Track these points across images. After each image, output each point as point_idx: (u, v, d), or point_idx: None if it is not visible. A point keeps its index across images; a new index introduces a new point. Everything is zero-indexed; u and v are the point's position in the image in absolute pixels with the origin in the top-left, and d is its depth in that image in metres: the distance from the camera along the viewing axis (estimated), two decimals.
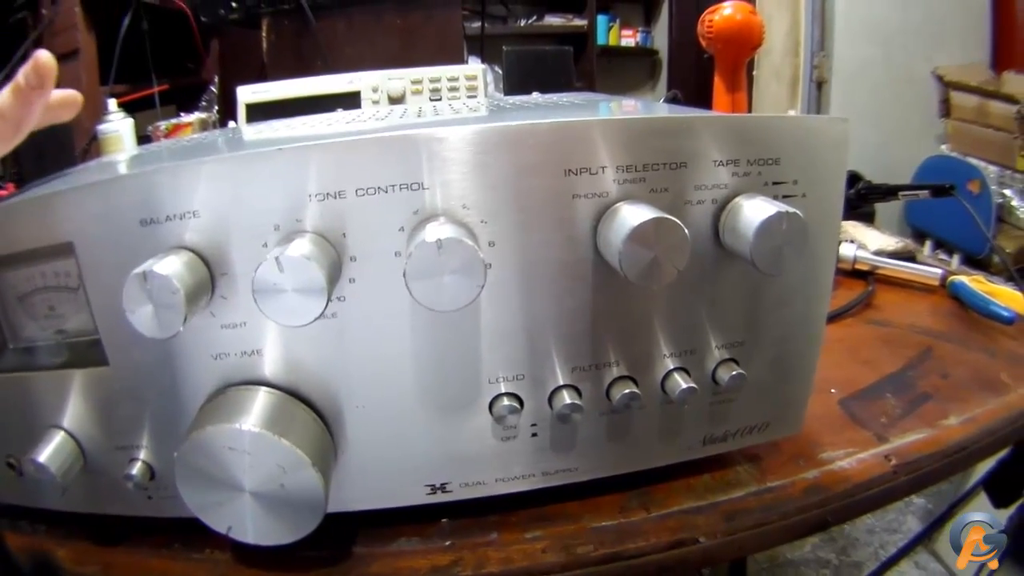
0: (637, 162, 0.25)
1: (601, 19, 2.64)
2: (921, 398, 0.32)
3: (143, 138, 0.76)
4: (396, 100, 0.62)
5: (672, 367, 0.27)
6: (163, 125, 0.76)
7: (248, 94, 0.63)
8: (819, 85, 1.73)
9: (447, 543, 0.28)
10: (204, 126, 0.77)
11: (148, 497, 0.30)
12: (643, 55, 2.86)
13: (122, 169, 0.36)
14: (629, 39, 2.80)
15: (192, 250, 0.25)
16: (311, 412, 0.26)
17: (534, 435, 0.27)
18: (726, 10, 0.61)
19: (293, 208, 0.24)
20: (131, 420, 0.29)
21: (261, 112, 0.61)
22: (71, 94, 0.38)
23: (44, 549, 0.33)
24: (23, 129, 0.31)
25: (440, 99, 0.62)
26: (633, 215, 0.23)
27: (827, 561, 0.78)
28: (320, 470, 0.24)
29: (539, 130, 0.24)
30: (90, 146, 0.71)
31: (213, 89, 0.79)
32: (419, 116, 0.39)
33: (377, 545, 0.29)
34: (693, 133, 0.25)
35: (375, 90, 0.62)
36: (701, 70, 2.27)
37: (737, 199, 0.26)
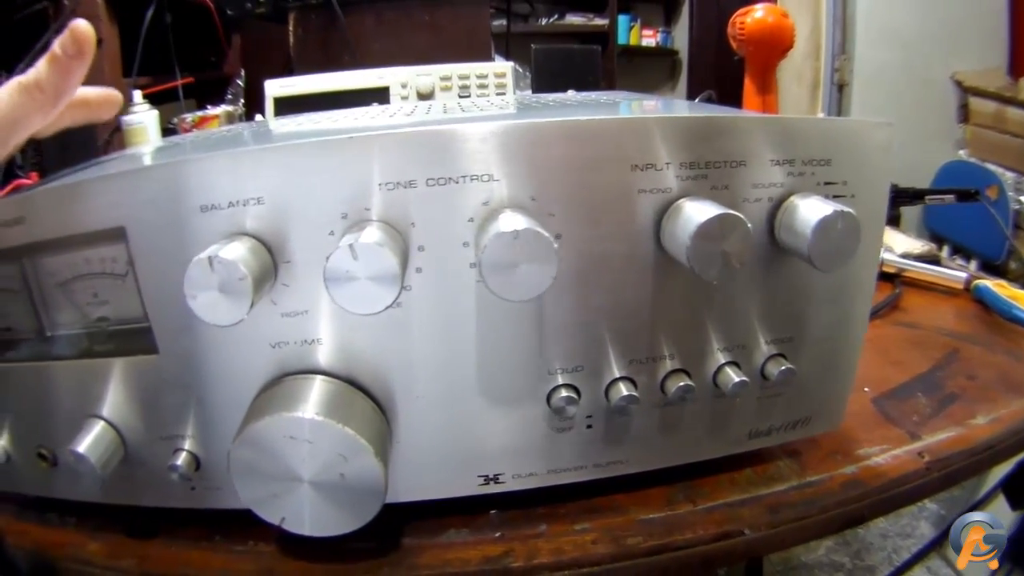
0: (699, 159, 0.25)
1: (622, 19, 2.67)
2: (949, 398, 0.33)
3: (166, 130, 0.75)
4: (425, 96, 0.62)
5: (723, 361, 0.28)
6: (189, 117, 0.76)
7: (276, 88, 0.63)
8: (840, 88, 1.76)
9: (497, 534, 0.29)
10: (230, 119, 0.77)
11: (191, 488, 0.30)
12: (663, 55, 2.90)
13: (159, 158, 0.36)
14: (649, 39, 2.83)
15: (254, 237, 0.25)
16: (369, 401, 0.26)
17: (588, 427, 0.27)
18: (758, 12, 0.62)
19: (361, 196, 0.24)
20: (177, 409, 0.29)
21: (289, 106, 0.61)
22: (111, 92, 0.38)
23: (75, 542, 0.33)
24: (62, 100, 0.31)
25: (469, 96, 0.62)
26: (700, 211, 0.24)
27: (841, 564, 0.79)
28: (381, 459, 0.25)
29: (607, 126, 0.24)
30: (112, 137, 0.70)
31: (239, 83, 0.78)
32: (462, 112, 0.39)
33: (425, 536, 0.29)
34: (752, 133, 0.26)
35: (404, 86, 0.62)
36: (721, 70, 2.31)
37: (792, 198, 0.26)
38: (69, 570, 0.32)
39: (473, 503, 0.30)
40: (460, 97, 0.62)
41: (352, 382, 0.26)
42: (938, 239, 1.63)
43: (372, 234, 0.23)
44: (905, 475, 0.30)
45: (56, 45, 0.31)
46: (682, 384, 0.27)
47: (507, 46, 0.89)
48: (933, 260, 0.49)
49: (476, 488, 0.28)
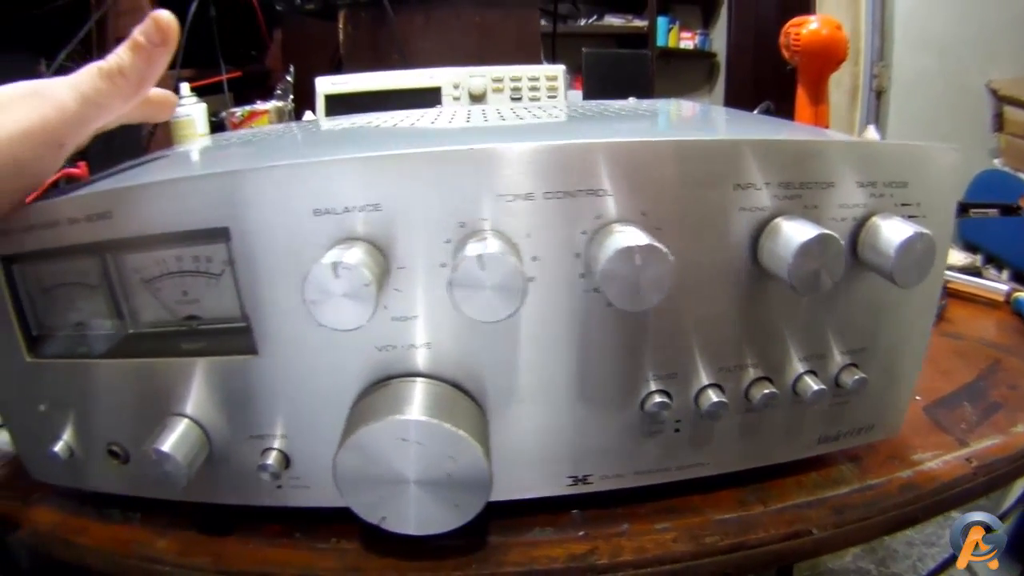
0: (795, 180, 0.27)
1: (661, 20, 2.69)
2: (993, 407, 0.36)
3: (212, 124, 0.74)
4: (477, 98, 0.63)
5: (803, 370, 0.29)
6: (238, 112, 0.75)
7: (327, 85, 0.63)
8: (878, 94, 1.80)
9: (581, 533, 0.30)
10: (280, 115, 0.76)
11: (277, 487, 0.30)
12: (701, 58, 2.91)
13: (245, 159, 0.36)
14: (688, 41, 2.84)
15: (369, 242, 0.26)
16: (472, 402, 0.27)
17: (676, 430, 0.29)
18: (813, 24, 0.64)
19: (479, 206, 0.25)
20: (271, 409, 0.29)
21: (339, 104, 0.61)
22: (169, 94, 0.38)
23: (142, 539, 0.33)
24: (144, 88, 0.31)
25: (520, 99, 0.63)
26: (800, 231, 0.26)
27: (867, 571, 0.83)
28: (488, 458, 0.26)
29: (715, 147, 0.26)
30: (156, 129, 0.69)
31: (289, 78, 0.77)
32: (518, 118, 0.40)
33: (511, 535, 0.30)
34: (842, 156, 0.28)
35: (456, 87, 0.62)
36: (759, 74, 2.35)
37: (874, 218, 0.28)
38: (135, 568, 0.33)
39: (555, 503, 0.31)
40: (512, 100, 0.62)
41: (455, 384, 0.27)
42: (971, 248, 1.67)
43: (497, 244, 0.24)
44: (955, 479, 0.33)
45: (138, 33, 0.31)
46: (766, 391, 0.29)
47: (553, 48, 0.89)
48: (974, 272, 0.52)
49: (564, 488, 0.30)
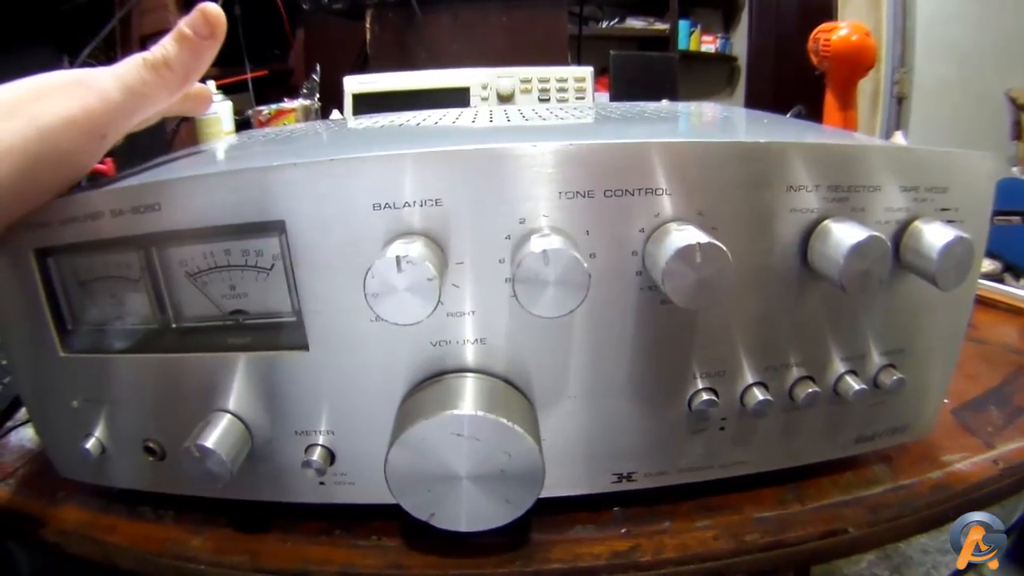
0: (844, 183, 0.28)
1: (682, 24, 2.70)
2: (1018, 411, 0.37)
3: (237, 123, 0.74)
4: (505, 99, 0.63)
5: (844, 370, 0.30)
6: (265, 110, 0.75)
7: (355, 84, 0.63)
8: (899, 101, 1.82)
9: (623, 530, 0.31)
10: (307, 113, 0.76)
11: (320, 483, 0.30)
12: (722, 61, 2.92)
13: (285, 153, 0.36)
14: (709, 45, 2.86)
15: (428, 237, 0.26)
16: (525, 398, 0.28)
17: (721, 428, 0.30)
18: (842, 30, 0.65)
19: (540, 203, 0.26)
20: (318, 405, 0.29)
21: (366, 103, 0.61)
22: (206, 88, 0.38)
23: (175, 538, 0.33)
24: (190, 81, 0.31)
25: (548, 100, 0.63)
26: (850, 233, 0.26)
27: None
28: (542, 454, 0.26)
29: (770, 149, 0.27)
30: (179, 127, 0.68)
31: (315, 77, 0.77)
32: (576, 118, 0.41)
33: (553, 532, 0.31)
34: (888, 161, 0.29)
35: (484, 87, 0.62)
36: (779, 78, 2.36)
37: (916, 223, 0.29)
38: (168, 567, 0.32)
39: (596, 500, 0.31)
40: (540, 100, 0.63)
41: (507, 380, 0.28)
42: (990, 255, 1.68)
43: (560, 240, 0.24)
44: (983, 480, 0.34)
45: (184, 25, 0.31)
46: (810, 391, 0.29)
47: (579, 50, 0.90)
48: (997, 278, 0.53)
49: (608, 485, 0.30)
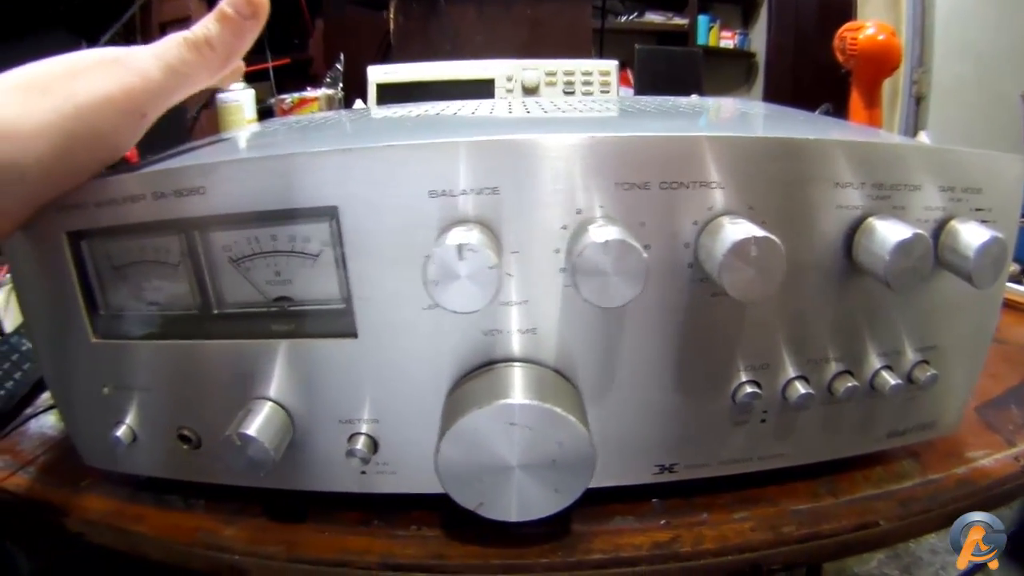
0: (887, 181, 0.29)
1: (702, 19, 2.71)
2: None
3: (259, 111, 0.73)
4: (530, 91, 0.63)
5: (880, 365, 0.31)
6: (288, 99, 0.74)
7: (380, 74, 0.63)
8: (918, 100, 1.83)
9: (662, 521, 0.31)
10: (330, 102, 0.75)
11: (362, 472, 0.31)
12: (740, 57, 2.93)
13: (328, 139, 0.36)
14: (728, 40, 2.86)
15: (484, 225, 0.26)
16: (575, 389, 0.28)
17: (763, 421, 0.30)
18: (869, 30, 0.66)
19: (597, 194, 0.26)
20: (363, 393, 0.30)
21: (390, 93, 0.61)
22: (239, 62, 0.37)
23: (207, 527, 0.33)
24: (231, 61, 0.32)
25: (573, 93, 0.64)
26: (895, 230, 0.27)
27: None
28: (593, 444, 0.27)
29: (820, 146, 0.28)
30: (199, 114, 0.68)
31: (339, 67, 0.76)
32: (609, 111, 0.41)
33: (594, 523, 0.31)
34: (928, 161, 0.29)
35: (509, 79, 0.63)
36: (797, 75, 2.37)
37: (953, 222, 0.30)
38: (200, 557, 0.32)
39: (635, 491, 0.32)
40: (565, 93, 0.63)
41: (556, 370, 0.28)
42: None
43: (620, 231, 0.25)
44: (1005, 476, 0.35)
45: (226, 5, 0.31)
46: (849, 385, 0.30)
47: (601, 43, 0.90)
48: (1016, 280, 0.55)
49: (651, 477, 0.31)
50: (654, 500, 0.32)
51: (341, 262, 0.28)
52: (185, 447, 0.32)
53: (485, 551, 0.30)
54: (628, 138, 0.26)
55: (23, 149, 0.26)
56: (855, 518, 0.32)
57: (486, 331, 0.28)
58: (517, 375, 0.27)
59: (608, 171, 0.26)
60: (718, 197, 0.27)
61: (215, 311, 0.30)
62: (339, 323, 0.29)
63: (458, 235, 0.25)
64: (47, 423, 0.40)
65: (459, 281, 0.25)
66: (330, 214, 0.27)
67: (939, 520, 0.34)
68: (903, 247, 0.27)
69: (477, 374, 0.28)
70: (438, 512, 0.32)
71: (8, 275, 0.47)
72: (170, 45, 0.30)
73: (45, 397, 0.41)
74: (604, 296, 0.25)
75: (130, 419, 0.33)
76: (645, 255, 0.24)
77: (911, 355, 0.32)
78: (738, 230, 0.25)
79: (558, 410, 0.26)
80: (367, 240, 0.27)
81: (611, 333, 0.28)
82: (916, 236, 0.27)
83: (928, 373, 0.32)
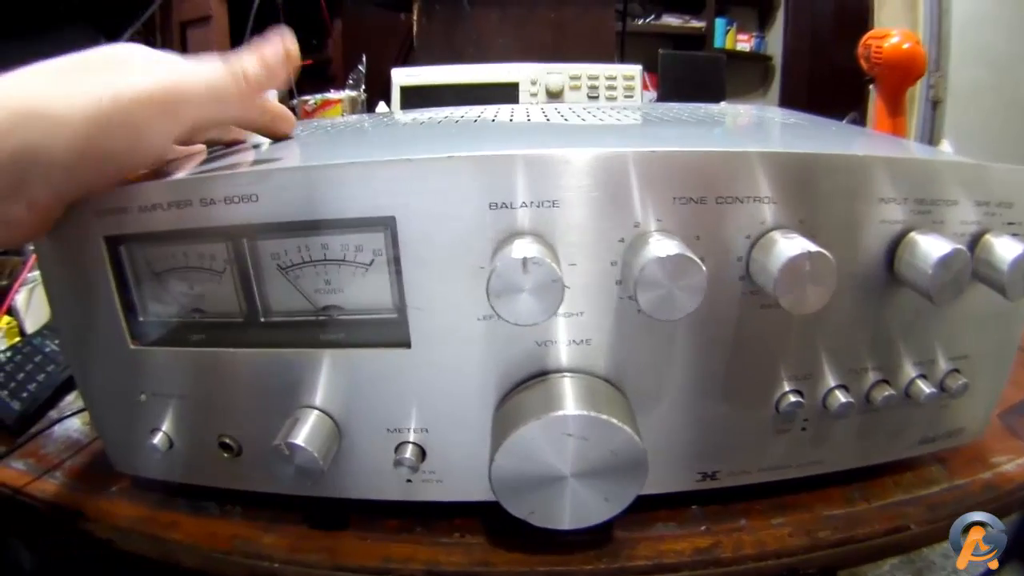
0: (928, 197, 0.30)
1: (719, 22, 2.70)
2: None
3: None
4: (554, 95, 0.63)
5: (915, 375, 0.32)
6: (311, 100, 0.73)
7: (403, 76, 0.63)
8: (934, 105, 1.84)
9: (703, 528, 0.32)
10: (354, 104, 0.75)
11: (407, 480, 0.31)
12: (757, 60, 2.92)
13: (375, 149, 0.36)
14: (744, 44, 2.85)
15: (542, 238, 0.27)
16: (626, 399, 0.29)
17: (803, 429, 0.31)
18: (894, 38, 0.67)
19: (654, 208, 0.27)
20: (413, 402, 0.30)
21: (414, 96, 0.61)
22: (287, 111, 0.38)
23: (245, 535, 0.33)
24: (260, 93, 0.33)
25: (597, 97, 0.64)
26: (936, 245, 0.28)
27: None
28: (646, 454, 0.27)
29: (868, 161, 0.28)
30: None
31: (361, 68, 0.76)
32: (639, 120, 0.41)
33: (636, 529, 0.32)
34: (965, 176, 0.31)
35: (534, 83, 0.63)
36: (813, 78, 2.37)
37: (987, 236, 0.31)
38: (238, 565, 0.33)
39: (674, 498, 0.33)
40: (589, 98, 0.64)
41: (611, 381, 0.29)
42: None
43: (679, 245, 0.25)
44: None
45: (267, 48, 0.32)
46: (887, 394, 0.31)
47: (622, 47, 0.90)
48: None
49: (693, 484, 0.31)
50: (694, 507, 0.33)
51: (396, 272, 0.28)
52: (226, 455, 0.32)
53: (530, 558, 0.31)
54: (688, 153, 0.27)
55: (53, 133, 0.26)
56: (887, 523, 0.33)
57: (540, 342, 0.28)
58: (572, 386, 0.28)
59: (667, 185, 0.26)
60: (771, 212, 0.27)
61: (261, 319, 0.30)
62: (391, 333, 0.29)
63: (522, 248, 0.25)
64: (72, 426, 0.39)
65: (522, 294, 0.25)
66: (386, 224, 0.27)
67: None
68: (945, 261, 0.28)
69: (530, 385, 0.28)
70: (480, 519, 0.33)
71: (29, 274, 0.47)
72: (210, 64, 0.31)
73: (70, 400, 0.40)
74: (664, 309, 0.25)
75: (167, 426, 0.33)
76: (704, 269, 0.25)
77: (943, 364, 0.33)
78: (792, 245, 0.26)
79: (615, 421, 0.26)
80: (424, 250, 0.27)
81: (662, 344, 0.29)
82: (956, 251, 0.28)
83: (959, 382, 0.33)
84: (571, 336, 0.28)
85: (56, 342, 0.38)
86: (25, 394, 0.37)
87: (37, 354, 0.38)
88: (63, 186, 0.28)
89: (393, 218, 0.27)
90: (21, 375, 0.37)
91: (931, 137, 1.83)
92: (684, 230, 0.27)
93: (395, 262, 0.28)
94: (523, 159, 0.26)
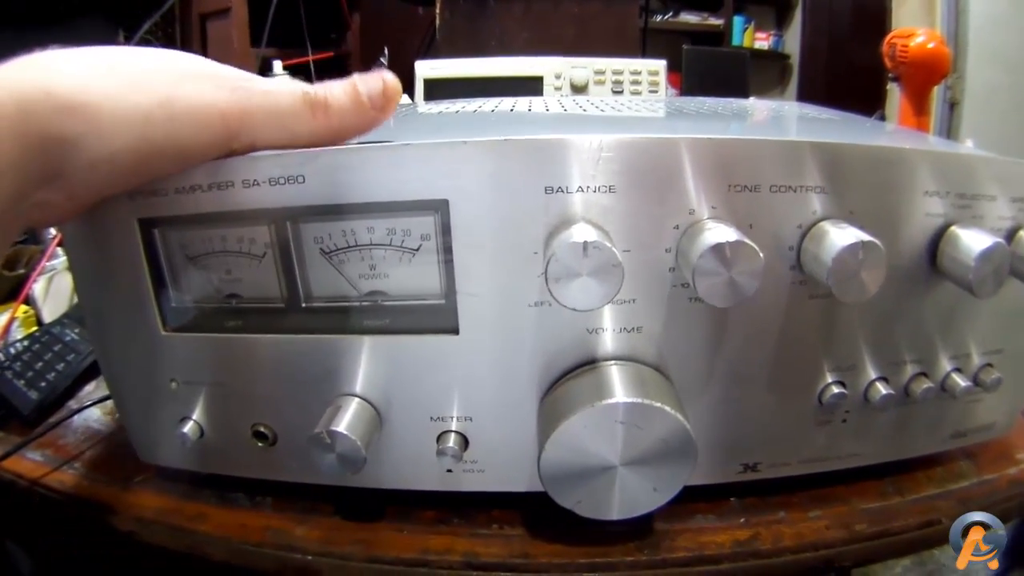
0: (969, 191, 0.30)
1: (737, 20, 2.73)
2: None
3: None
4: (579, 89, 0.64)
5: (950, 368, 0.33)
6: None
7: (427, 69, 0.63)
8: (951, 106, 1.87)
9: (741, 520, 0.33)
10: None
11: (447, 471, 0.31)
12: (774, 59, 2.95)
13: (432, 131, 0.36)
14: (762, 42, 2.88)
15: (596, 223, 0.27)
16: (673, 388, 0.29)
17: (844, 421, 0.32)
18: (919, 37, 0.69)
19: (708, 195, 0.27)
20: (459, 389, 0.30)
21: (436, 88, 0.61)
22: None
23: (276, 526, 0.33)
24: (339, 139, 0.29)
25: (622, 92, 0.65)
26: (978, 240, 0.29)
27: None
28: (695, 443, 0.28)
29: (916, 155, 0.29)
30: None
31: (383, 61, 0.75)
32: (665, 112, 0.42)
33: (676, 521, 0.32)
34: (1003, 172, 0.31)
35: (558, 76, 0.63)
36: (831, 77, 2.38)
37: (1021, 232, 0.32)
38: (269, 557, 0.32)
39: (713, 490, 0.33)
40: (613, 93, 0.64)
41: (660, 369, 0.29)
42: None
43: (737, 233, 0.26)
44: None
45: (361, 83, 0.29)
46: (925, 387, 0.32)
47: (643, 42, 0.91)
48: None
49: (734, 475, 0.32)
50: (732, 499, 0.34)
51: (446, 257, 0.28)
52: (260, 445, 0.32)
53: (570, 550, 0.31)
54: (744, 141, 0.27)
55: (97, 132, 0.24)
56: (920, 516, 0.34)
57: (590, 329, 0.29)
58: (622, 373, 0.28)
59: (722, 173, 0.27)
60: (821, 202, 0.28)
61: (303, 304, 0.30)
62: (439, 319, 0.29)
63: (582, 232, 0.25)
64: (92, 416, 0.39)
65: (581, 279, 0.25)
66: (438, 207, 0.28)
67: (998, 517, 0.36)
68: (987, 255, 0.29)
69: (579, 373, 0.29)
70: (519, 510, 0.33)
71: (48, 263, 0.46)
72: (287, 91, 0.28)
73: (89, 389, 0.40)
74: (721, 295, 0.26)
75: (197, 414, 0.33)
76: (762, 256, 0.26)
77: (977, 359, 0.34)
78: (845, 235, 0.27)
79: (668, 408, 0.27)
80: (476, 235, 0.28)
81: (712, 333, 0.29)
82: (997, 244, 0.29)
83: (993, 376, 0.34)
84: (621, 324, 0.28)
85: (76, 331, 0.38)
86: (43, 383, 0.37)
87: (56, 343, 0.38)
88: (104, 182, 0.27)
89: (446, 201, 0.27)
90: (39, 364, 0.37)
91: (948, 137, 1.87)
92: (738, 218, 0.27)
93: (445, 247, 0.28)
94: (580, 143, 0.27)
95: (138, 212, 0.30)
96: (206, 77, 0.27)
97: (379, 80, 0.29)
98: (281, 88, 0.28)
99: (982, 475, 0.37)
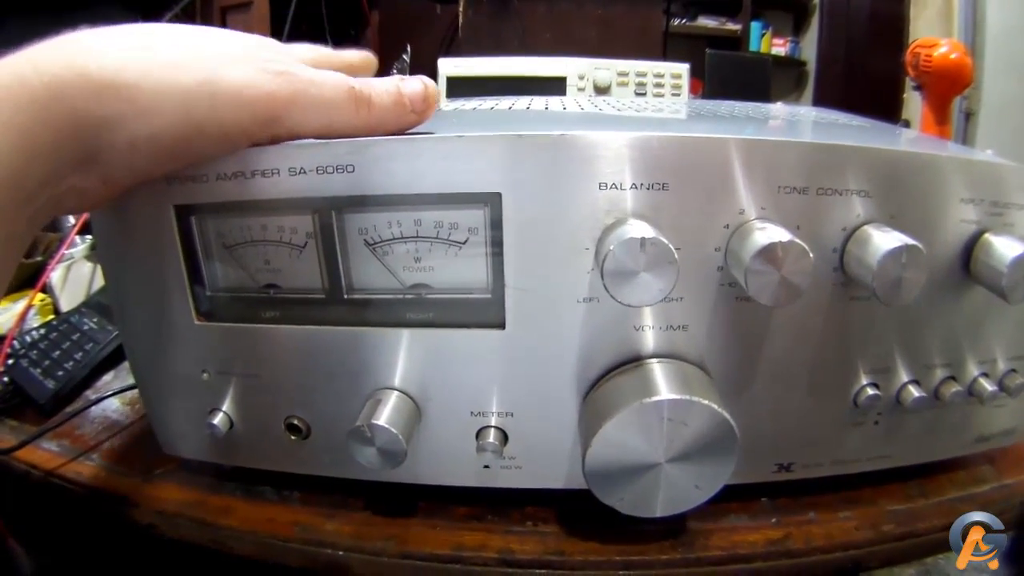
0: (1002, 199, 0.32)
1: (754, 25, 2.76)
2: None
3: None
4: (602, 90, 0.65)
5: (978, 373, 0.34)
6: None
7: (450, 67, 0.63)
8: (967, 116, 1.90)
9: (773, 520, 0.34)
10: None
11: (485, 467, 0.32)
12: (791, 65, 2.99)
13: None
14: (779, 48, 2.92)
15: (648, 221, 0.28)
16: (715, 385, 0.30)
17: (876, 423, 0.33)
18: (943, 47, 0.71)
19: (757, 196, 0.28)
20: (502, 384, 0.31)
21: (459, 86, 0.62)
22: (370, 56, 0.36)
23: (305, 521, 0.33)
24: (374, 133, 0.30)
25: (645, 94, 0.66)
26: (1011, 247, 0.31)
27: None
28: (739, 442, 0.29)
29: (956, 162, 0.31)
30: None
31: (406, 58, 0.75)
32: (674, 112, 0.43)
33: (709, 521, 0.33)
34: None
35: (581, 77, 0.64)
36: (847, 85, 2.40)
37: None
38: (297, 552, 0.33)
39: (745, 490, 0.34)
40: (636, 95, 0.65)
41: (701, 366, 0.30)
42: None
43: (789, 233, 0.27)
44: None
45: (406, 86, 0.30)
46: (955, 390, 0.33)
47: (664, 46, 0.92)
48: None
49: (769, 475, 0.33)
50: (763, 499, 0.35)
51: (494, 250, 0.29)
52: (293, 438, 0.33)
53: (605, 548, 0.32)
54: (794, 143, 0.28)
55: (135, 114, 0.25)
56: (944, 518, 0.35)
57: (638, 326, 0.29)
58: (667, 371, 0.29)
59: (772, 174, 0.28)
60: (864, 206, 0.29)
61: (344, 296, 0.31)
62: (485, 313, 0.30)
63: (638, 228, 0.26)
64: (111, 406, 0.38)
65: (638, 275, 0.26)
66: (490, 201, 0.28)
67: (1015, 522, 0.37)
68: (1019, 262, 0.30)
69: (624, 369, 0.30)
70: (553, 507, 0.34)
71: (66, 251, 0.46)
72: (333, 83, 0.29)
73: (107, 379, 0.39)
74: (772, 295, 0.27)
75: (228, 406, 0.33)
76: (812, 256, 0.27)
77: (1003, 364, 0.35)
78: (890, 238, 0.28)
79: (715, 406, 0.28)
80: (527, 229, 0.28)
81: (755, 333, 0.30)
82: None
83: (1017, 381, 0.35)
84: (668, 321, 0.29)
85: (95, 320, 0.38)
86: (60, 372, 0.36)
87: (75, 332, 0.37)
88: (144, 163, 0.27)
89: (499, 195, 0.28)
90: (57, 353, 0.36)
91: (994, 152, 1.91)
92: (786, 219, 0.29)
93: (494, 240, 0.29)
94: (635, 141, 0.27)
95: (175, 198, 0.30)
96: (249, 59, 0.28)
97: (420, 84, 0.30)
98: (327, 79, 0.29)
99: (1002, 479, 0.38)
